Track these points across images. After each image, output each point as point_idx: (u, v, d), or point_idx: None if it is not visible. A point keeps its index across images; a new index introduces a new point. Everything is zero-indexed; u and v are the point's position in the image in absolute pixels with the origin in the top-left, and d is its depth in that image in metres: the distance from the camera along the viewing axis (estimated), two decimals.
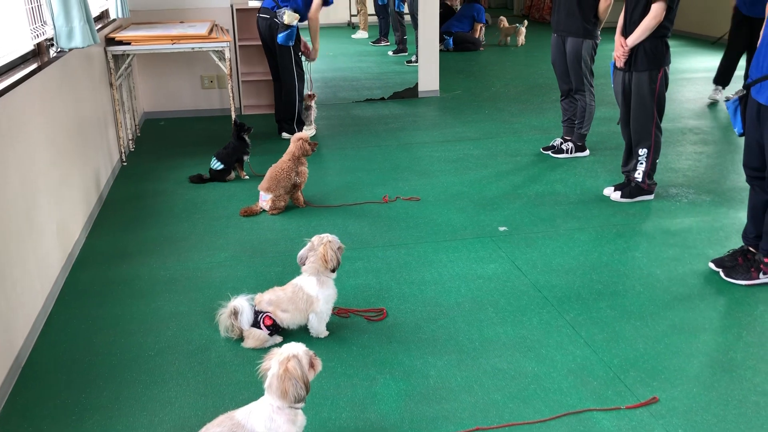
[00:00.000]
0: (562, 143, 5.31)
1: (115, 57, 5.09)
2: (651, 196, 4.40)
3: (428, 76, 7.31)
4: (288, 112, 5.84)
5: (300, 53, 5.73)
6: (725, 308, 3.16)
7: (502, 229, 4.02)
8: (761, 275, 3.34)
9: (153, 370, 2.75)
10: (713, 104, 6.77)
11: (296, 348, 2.12)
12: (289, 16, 5.41)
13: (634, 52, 4.12)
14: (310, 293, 2.87)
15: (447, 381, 2.66)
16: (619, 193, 4.40)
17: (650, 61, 4.10)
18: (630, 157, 4.43)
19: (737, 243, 3.58)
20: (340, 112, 6.76)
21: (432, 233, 3.98)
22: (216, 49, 5.23)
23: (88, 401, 2.57)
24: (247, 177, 4.89)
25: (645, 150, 4.29)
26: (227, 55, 5.25)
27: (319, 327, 2.93)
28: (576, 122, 5.23)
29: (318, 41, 5.84)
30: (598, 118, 6.29)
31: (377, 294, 3.31)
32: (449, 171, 5.03)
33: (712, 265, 3.50)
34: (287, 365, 2.06)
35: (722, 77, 6.84)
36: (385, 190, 4.62)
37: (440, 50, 8.57)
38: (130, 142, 5.59)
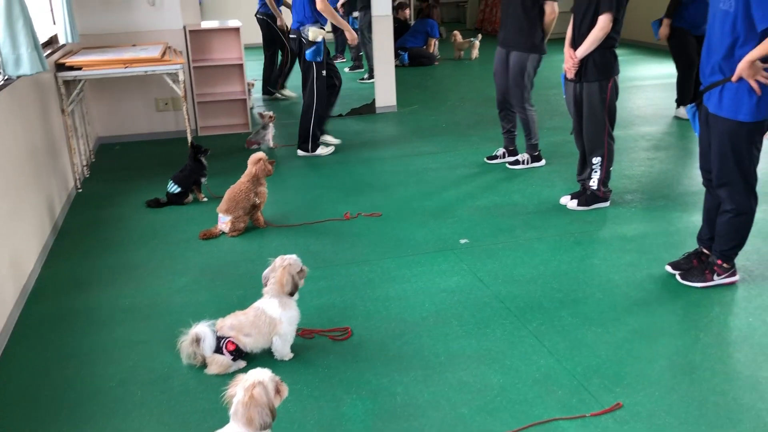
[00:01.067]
0: (504, 153, 5.41)
1: (66, 83, 5.00)
2: (607, 203, 4.49)
3: (385, 92, 7.35)
4: (303, 129, 5.84)
5: (323, 71, 5.68)
6: (683, 311, 3.23)
7: (463, 241, 4.05)
8: (715, 277, 3.43)
9: (114, 401, 2.69)
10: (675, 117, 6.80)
11: (262, 374, 2.10)
12: (313, 32, 5.44)
13: (583, 63, 4.21)
14: (273, 316, 2.85)
15: (414, 398, 2.66)
16: (575, 201, 4.47)
17: (600, 72, 4.19)
18: (584, 165, 4.51)
19: (692, 246, 3.67)
20: (296, 130, 6.73)
21: (394, 248, 3.99)
22: (169, 71, 5.18)
23: None
24: (205, 199, 4.84)
25: (599, 158, 4.37)
26: (181, 77, 5.21)
27: (283, 350, 2.90)
28: (525, 135, 5.31)
29: (343, 23, 5.84)
30: (552, 128, 6.41)
31: (341, 313, 3.30)
32: (409, 185, 5.06)
33: (668, 268, 3.58)
34: (252, 392, 2.04)
35: (683, 97, 6.61)
36: (346, 207, 4.62)
37: (396, 66, 8.64)
38: (85, 168, 5.49)
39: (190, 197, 4.81)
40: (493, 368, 2.82)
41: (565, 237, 4.06)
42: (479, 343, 3.01)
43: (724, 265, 3.41)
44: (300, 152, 5.88)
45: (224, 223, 4.21)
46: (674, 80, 6.78)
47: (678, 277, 3.49)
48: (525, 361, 2.86)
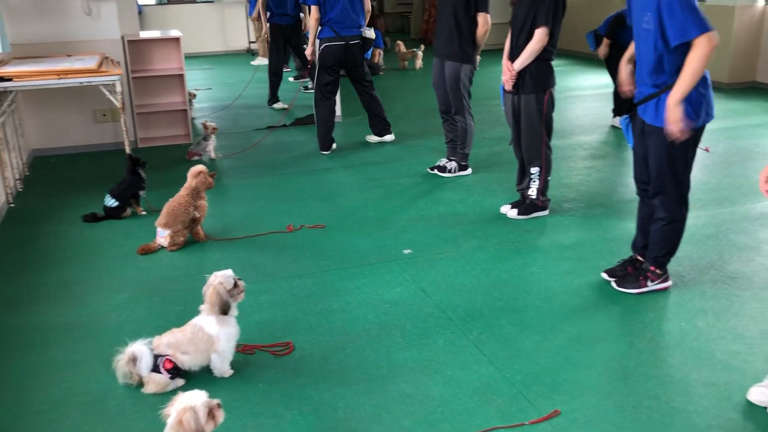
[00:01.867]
0: (447, 162, 5.48)
1: None
2: (546, 212, 4.58)
3: None
4: (378, 113, 6.42)
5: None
6: (618, 317, 3.31)
7: (406, 252, 4.07)
8: (649, 283, 3.53)
9: (46, 425, 2.61)
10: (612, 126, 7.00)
11: (195, 399, 2.07)
12: (367, 30, 6.05)
13: (521, 75, 4.29)
14: (210, 333, 2.80)
15: (356, 411, 2.66)
16: (515, 210, 4.55)
17: (536, 84, 4.28)
18: (524, 175, 4.60)
19: (627, 253, 3.77)
20: (241, 141, 6.68)
21: (338, 260, 3.98)
22: (106, 83, 5.07)
23: None
24: (144, 213, 4.74)
25: (537, 168, 4.46)
26: (118, 88, 5.10)
27: (222, 367, 2.86)
28: (458, 143, 5.40)
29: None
30: (493, 138, 6.52)
31: (283, 327, 3.28)
32: (353, 196, 5.06)
33: (604, 275, 3.67)
34: (182, 417, 2.00)
35: (619, 107, 6.72)
36: (289, 219, 4.59)
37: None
38: (18, 182, 5.31)
39: (128, 211, 4.71)
40: (434, 379, 2.84)
41: (506, 246, 4.12)
42: (421, 354, 3.02)
43: (657, 271, 3.52)
44: (371, 138, 6.55)
45: (163, 237, 4.13)
46: (611, 90, 6.98)
47: (613, 284, 3.58)
48: (466, 371, 2.89)
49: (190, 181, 4.18)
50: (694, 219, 4.43)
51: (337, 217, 4.65)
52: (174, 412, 2.03)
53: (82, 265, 3.98)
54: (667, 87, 3.15)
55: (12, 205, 4.95)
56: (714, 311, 3.32)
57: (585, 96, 8.32)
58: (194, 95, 7.57)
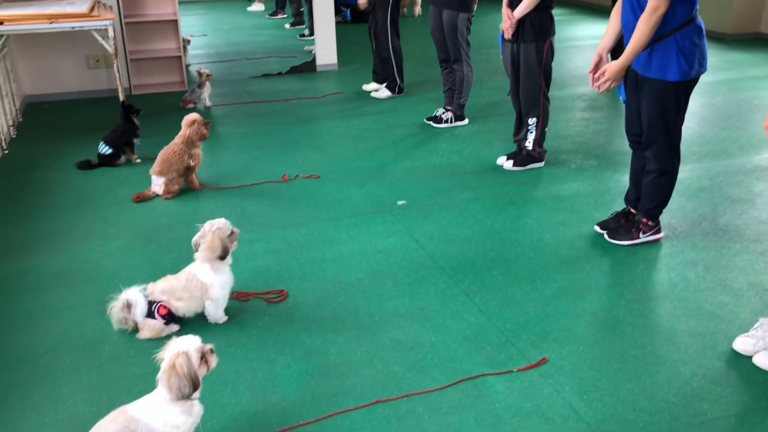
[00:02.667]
0: (443, 113, 5.44)
1: None
2: (541, 164, 4.57)
3: (326, 50, 7.25)
4: (386, 69, 6.24)
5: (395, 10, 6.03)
6: (609, 268, 3.34)
7: (400, 203, 4.07)
8: (641, 235, 3.55)
9: (43, 368, 2.65)
10: None
11: (189, 343, 2.10)
12: None
13: (520, 24, 4.22)
14: (204, 281, 2.83)
15: (347, 357, 2.70)
16: (511, 162, 4.54)
17: (536, 33, 4.22)
18: (521, 126, 4.57)
19: (622, 205, 3.78)
20: (236, 89, 6.62)
21: (332, 210, 3.99)
22: (98, 27, 4.99)
23: None
24: (138, 161, 4.72)
25: (534, 119, 4.43)
26: (111, 33, 5.02)
27: (216, 313, 2.90)
28: (456, 92, 5.35)
29: None
30: (491, 88, 6.45)
31: (277, 275, 3.30)
32: (349, 146, 5.04)
33: (597, 228, 3.68)
34: (175, 361, 2.03)
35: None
36: (284, 169, 4.58)
37: (337, 22, 8.50)
38: (11, 128, 5.27)
39: (123, 159, 4.69)
40: (425, 327, 2.88)
41: (500, 197, 4.13)
42: (412, 303, 3.06)
43: (650, 223, 3.53)
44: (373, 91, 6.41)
45: (158, 185, 4.13)
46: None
47: (606, 236, 3.60)
48: (456, 319, 2.93)
49: (185, 130, 4.16)
50: (688, 172, 4.43)
51: (331, 167, 4.64)
52: (167, 356, 2.06)
53: (76, 212, 3.98)
54: (660, 37, 3.10)
55: (6, 152, 4.93)
56: (704, 263, 3.35)
57: (584, 46, 8.20)
58: (188, 41, 7.46)
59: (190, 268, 2.89)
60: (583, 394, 2.47)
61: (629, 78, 3.41)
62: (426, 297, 3.10)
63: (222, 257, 2.85)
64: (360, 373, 2.60)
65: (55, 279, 3.28)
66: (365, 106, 6.01)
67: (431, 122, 5.47)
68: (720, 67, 6.95)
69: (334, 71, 7.25)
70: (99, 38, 5.06)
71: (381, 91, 6.36)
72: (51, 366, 2.66)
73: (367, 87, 6.52)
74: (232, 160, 4.78)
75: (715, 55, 7.49)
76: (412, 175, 4.47)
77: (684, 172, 4.43)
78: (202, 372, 2.11)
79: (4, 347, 2.78)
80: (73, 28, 4.94)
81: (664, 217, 3.73)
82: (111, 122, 4.98)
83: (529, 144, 4.50)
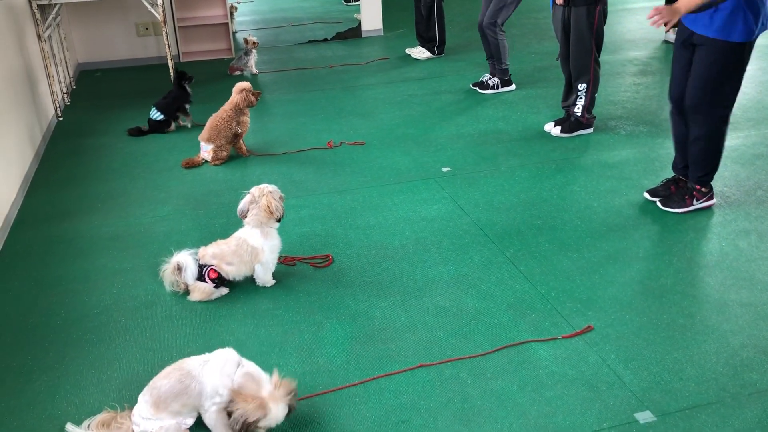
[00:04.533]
0: (489, 79, 5.36)
1: (41, 7, 4.87)
2: (590, 130, 4.48)
3: (371, 15, 7.20)
4: (429, 31, 6.28)
5: None
6: (658, 236, 3.28)
7: (445, 169, 4.06)
8: (695, 202, 3.47)
9: (99, 328, 2.76)
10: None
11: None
12: None
13: None
14: (255, 245, 2.89)
15: (391, 321, 2.73)
16: (559, 128, 4.47)
17: None
18: (570, 92, 4.48)
19: (671, 173, 3.69)
20: (282, 56, 6.64)
21: (377, 177, 4.00)
22: None
23: (34, 363, 2.57)
24: (189, 126, 4.80)
25: (584, 84, 4.34)
26: (159, 1, 5.07)
27: (265, 277, 2.96)
28: (495, 59, 5.27)
29: None
30: (539, 53, 6.33)
31: (323, 240, 3.34)
32: (394, 113, 5.02)
33: (647, 195, 3.61)
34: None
35: None
36: (329, 136, 4.60)
37: None
38: (65, 95, 5.41)
39: (173, 125, 4.77)
40: (469, 293, 2.89)
41: (547, 164, 4.07)
42: (457, 269, 3.06)
43: (703, 189, 3.45)
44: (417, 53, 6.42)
45: (206, 151, 4.20)
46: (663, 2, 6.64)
47: (659, 204, 3.52)
48: (501, 286, 2.93)
49: (234, 97, 4.20)
50: (744, 138, 4.30)
51: (376, 133, 4.63)
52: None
53: (128, 177, 4.09)
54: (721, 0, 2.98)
55: (60, 119, 5.06)
56: (757, 232, 3.26)
57: (637, 9, 7.95)
58: (235, 8, 7.48)
59: (240, 233, 2.94)
60: (628, 362, 2.45)
61: (679, 35, 3.29)
62: (470, 264, 3.10)
63: (279, 219, 2.92)
64: (404, 338, 2.63)
65: (109, 242, 3.38)
66: (410, 72, 5.97)
67: (477, 88, 5.41)
68: None
69: (379, 37, 7.20)
70: (148, 6, 5.12)
71: (421, 52, 6.32)
72: (106, 326, 2.77)
73: (409, 50, 6.47)
74: (278, 127, 4.82)
75: None
76: (458, 142, 4.44)
77: (739, 139, 4.29)
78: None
79: (62, 308, 2.89)
80: None
81: (717, 185, 3.64)
82: (160, 89, 5.08)
83: (578, 110, 4.41)
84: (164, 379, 2.17)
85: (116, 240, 3.40)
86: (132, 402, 2.25)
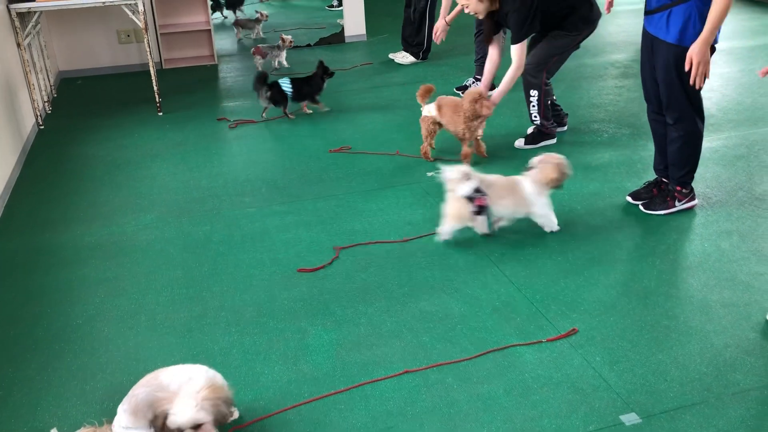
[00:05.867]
0: (473, 83, 5.37)
1: (20, 15, 4.83)
2: (554, 140, 4.43)
3: (354, 20, 7.20)
4: (418, 36, 6.32)
5: None
6: (641, 238, 3.30)
7: (430, 174, 4.06)
8: (677, 203, 3.49)
9: (82, 338, 2.73)
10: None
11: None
12: None
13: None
14: (528, 198, 3.23)
15: (377, 328, 2.73)
16: (522, 140, 4.43)
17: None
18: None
19: (654, 174, 3.71)
20: (266, 61, 6.61)
21: (362, 183, 4.00)
22: (128, 2, 5.02)
23: (16, 375, 2.54)
24: (310, 111, 5.09)
25: (536, 92, 4.26)
26: (141, 7, 5.05)
27: (550, 222, 3.33)
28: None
29: None
30: None
31: (308, 247, 3.33)
32: (378, 117, 5.02)
33: (629, 199, 3.63)
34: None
35: None
36: (313, 142, 4.60)
37: None
38: (46, 104, 5.36)
39: (289, 115, 4.97)
40: (454, 298, 2.89)
41: None
42: (442, 274, 3.07)
43: (683, 190, 3.48)
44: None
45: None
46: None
47: (641, 207, 3.54)
48: (486, 290, 2.93)
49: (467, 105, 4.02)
50: (725, 140, 4.34)
51: (361, 138, 4.63)
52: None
53: (110, 186, 4.06)
54: (681, 0, 3.02)
55: (41, 127, 5.02)
56: (739, 232, 3.29)
57: (619, 12, 8.01)
58: (266, 16, 7.48)
59: (520, 178, 3.26)
60: (613, 365, 2.46)
61: (644, 40, 3.34)
62: (455, 268, 3.11)
63: (553, 187, 3.24)
64: (390, 344, 2.63)
65: (92, 251, 3.36)
66: (394, 77, 5.98)
67: (461, 92, 5.41)
68: (759, 32, 6.74)
69: (362, 42, 7.21)
70: (129, 13, 5.10)
71: (404, 57, 6.33)
72: (89, 336, 2.74)
73: (392, 55, 6.49)
74: (261, 133, 4.80)
75: (754, 20, 7.27)
76: (442, 145, 4.44)
77: (720, 141, 4.34)
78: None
79: (44, 318, 2.86)
80: (104, 3, 4.97)
81: (699, 186, 3.67)
82: (143, 96, 5.04)
83: (536, 119, 4.35)
84: (143, 388, 2.15)
85: (99, 249, 3.37)
86: (115, 413, 2.23)
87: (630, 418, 2.22)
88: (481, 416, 2.25)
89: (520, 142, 4.45)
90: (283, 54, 6.31)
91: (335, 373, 2.49)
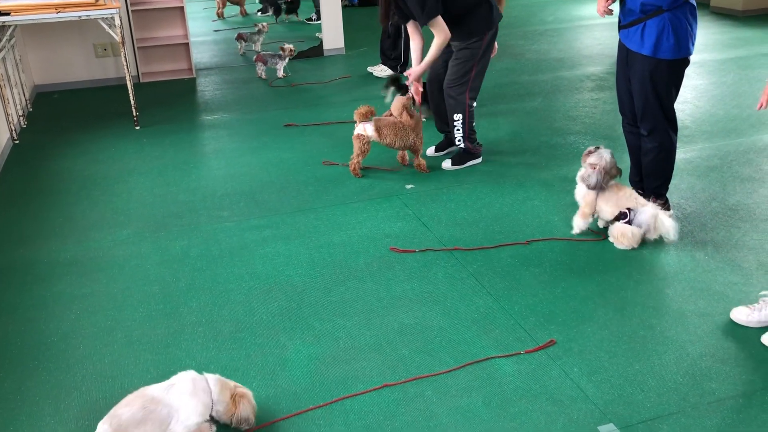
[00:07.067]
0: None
1: None
2: (479, 159, 4.39)
3: (333, 34, 7.22)
4: (396, 50, 6.34)
5: None
6: (618, 250, 3.33)
7: (408, 186, 4.08)
8: None
9: (56, 356, 2.69)
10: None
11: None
12: None
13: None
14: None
15: (356, 341, 2.72)
16: (449, 161, 4.36)
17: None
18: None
19: (630, 186, 3.76)
20: (243, 75, 6.61)
21: (341, 196, 4.00)
22: (105, 16, 4.99)
23: None
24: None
25: (460, 115, 4.21)
26: (117, 21, 5.03)
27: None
28: None
29: None
30: (498, 70, 6.41)
31: (286, 261, 3.32)
32: None
33: None
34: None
35: None
36: (291, 155, 4.59)
37: (344, 6, 8.46)
38: (21, 118, 5.31)
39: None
40: (433, 310, 2.90)
41: (508, 179, 4.12)
42: (421, 287, 3.07)
43: (658, 201, 3.51)
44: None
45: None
46: None
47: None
48: (465, 302, 2.94)
49: (405, 116, 4.14)
50: (698, 151, 4.40)
51: (341, 151, 4.63)
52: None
53: (86, 201, 4.01)
54: (655, 12, 3.08)
55: (16, 142, 4.96)
56: (713, 243, 3.34)
57: (593, 25, 8.12)
58: (266, 27, 7.43)
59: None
60: (591, 375, 2.48)
61: (619, 53, 3.39)
62: (434, 281, 3.11)
63: (592, 187, 3.29)
64: (369, 357, 2.62)
65: (67, 267, 3.32)
66: (373, 90, 5.99)
67: None
68: (731, 45, 6.87)
69: (341, 55, 7.23)
70: (106, 27, 5.07)
71: (383, 71, 6.36)
72: (64, 353, 2.70)
73: (371, 69, 6.51)
74: (241, 146, 4.79)
75: (726, 33, 7.40)
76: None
77: (694, 152, 4.40)
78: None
79: (18, 336, 2.82)
80: (80, 17, 4.94)
81: (673, 198, 3.72)
82: (120, 111, 5.00)
83: (459, 141, 4.28)
84: (125, 407, 2.13)
85: (74, 265, 3.33)
86: (90, 431, 2.20)
87: (608, 429, 2.24)
88: (460, 429, 2.25)
89: (447, 164, 4.37)
90: (284, 63, 6.39)
91: (314, 387, 2.48)
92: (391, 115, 4.22)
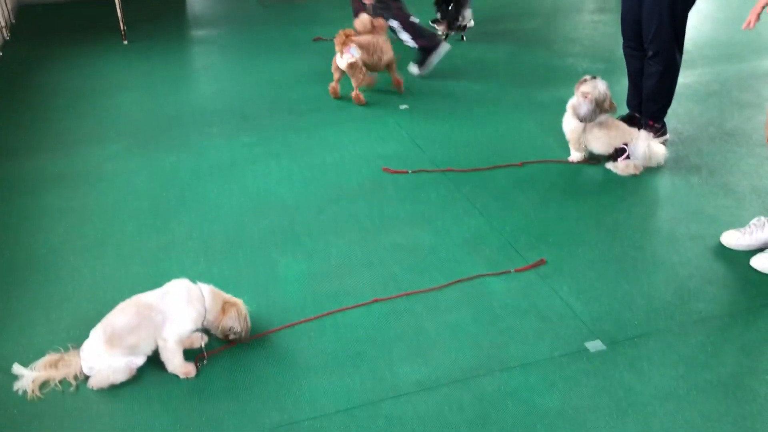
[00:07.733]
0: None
1: None
2: (444, 48, 4.36)
3: None
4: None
5: None
6: (612, 173, 3.30)
7: (403, 107, 4.01)
8: None
9: (46, 267, 2.68)
10: None
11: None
12: None
13: None
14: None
15: (348, 259, 2.72)
16: (415, 66, 4.37)
17: None
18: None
19: (626, 109, 3.70)
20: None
21: (333, 115, 3.93)
22: None
23: None
24: None
25: (395, 21, 4.27)
26: None
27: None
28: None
29: None
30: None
31: (278, 180, 3.29)
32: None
33: None
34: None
35: None
36: (286, 76, 4.49)
37: None
38: (4, 29, 5.14)
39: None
40: (425, 230, 2.89)
41: (504, 101, 4.05)
42: (414, 207, 3.05)
43: (656, 125, 3.48)
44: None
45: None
46: None
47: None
48: (457, 223, 2.93)
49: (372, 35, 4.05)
50: (698, 76, 4.33)
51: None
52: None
53: (74, 115, 3.93)
54: None
55: (0, 54, 4.82)
56: (708, 168, 3.32)
57: None
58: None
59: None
60: (579, 294, 2.49)
61: None
62: (427, 201, 3.09)
63: (580, 119, 3.21)
64: (360, 274, 2.63)
65: (55, 181, 3.27)
66: None
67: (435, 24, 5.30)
68: None
69: None
70: None
71: None
72: (54, 266, 2.69)
73: None
74: (233, 59, 4.68)
75: None
76: (416, 80, 4.37)
77: (693, 77, 4.33)
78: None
79: (6, 247, 2.80)
80: None
81: (671, 122, 3.67)
82: (106, 24, 4.85)
83: (412, 44, 4.31)
84: (119, 314, 2.14)
85: (62, 179, 3.29)
86: (82, 341, 2.21)
87: (595, 345, 2.26)
88: (448, 343, 2.28)
89: (414, 68, 4.37)
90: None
91: (306, 302, 2.49)
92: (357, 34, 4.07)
